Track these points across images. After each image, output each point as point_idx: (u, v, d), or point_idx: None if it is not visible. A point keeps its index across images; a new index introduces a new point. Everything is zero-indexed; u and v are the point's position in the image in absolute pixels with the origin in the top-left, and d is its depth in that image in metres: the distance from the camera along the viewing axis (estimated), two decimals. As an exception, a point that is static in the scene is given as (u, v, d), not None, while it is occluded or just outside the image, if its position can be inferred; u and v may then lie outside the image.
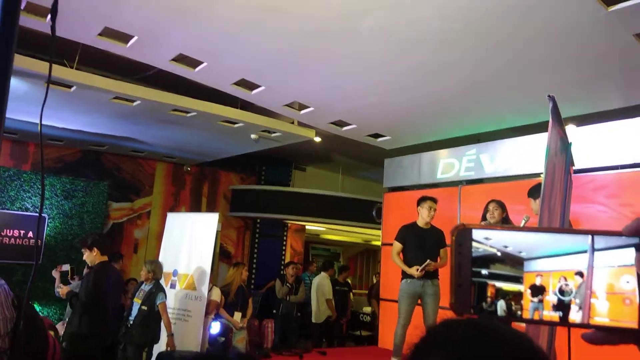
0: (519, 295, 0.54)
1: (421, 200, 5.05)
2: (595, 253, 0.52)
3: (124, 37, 4.60)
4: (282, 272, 8.63)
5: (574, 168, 3.71)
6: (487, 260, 0.54)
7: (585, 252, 0.52)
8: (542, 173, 2.85)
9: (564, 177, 3.01)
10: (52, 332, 3.06)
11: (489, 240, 0.54)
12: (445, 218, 5.75)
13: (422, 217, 4.99)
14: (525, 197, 4.33)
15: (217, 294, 6.11)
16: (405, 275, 4.94)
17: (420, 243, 4.95)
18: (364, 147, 7.58)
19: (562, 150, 3.01)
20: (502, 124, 6.07)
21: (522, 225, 4.07)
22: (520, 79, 4.78)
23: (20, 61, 4.99)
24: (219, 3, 3.82)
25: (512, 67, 4.54)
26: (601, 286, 0.52)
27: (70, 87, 5.60)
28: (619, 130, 4.92)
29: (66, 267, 5.78)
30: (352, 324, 9.41)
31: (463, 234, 0.56)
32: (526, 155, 5.57)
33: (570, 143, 3.32)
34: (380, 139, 7.09)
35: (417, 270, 4.77)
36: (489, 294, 0.54)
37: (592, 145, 5.03)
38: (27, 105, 6.01)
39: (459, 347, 0.73)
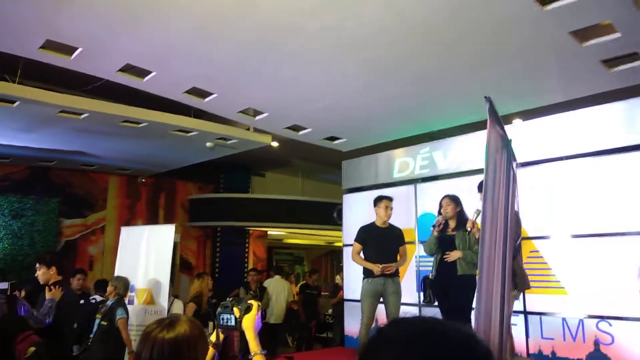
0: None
1: (377, 200, 5.10)
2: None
3: (68, 49, 4.46)
4: (245, 279, 8.55)
5: (517, 162, 3.83)
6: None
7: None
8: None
9: (506, 173, 3.12)
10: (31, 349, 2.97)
11: None
12: (403, 215, 5.84)
13: (380, 216, 5.05)
14: (479, 191, 4.46)
15: (179, 307, 5.97)
16: (366, 274, 4.98)
17: (379, 243, 4.99)
18: (322, 150, 7.60)
19: (502, 148, 3.12)
20: (453, 122, 6.22)
21: (474, 218, 4.19)
22: (463, 76, 4.92)
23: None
24: (163, 8, 3.76)
25: (455, 64, 4.66)
26: None
27: (13, 102, 5.39)
28: (562, 122, 5.12)
29: (3, 285, 5.50)
30: (319, 326, 9.42)
31: None
32: (478, 150, 5.69)
33: (511, 140, 3.44)
34: (336, 142, 7.14)
35: (379, 267, 4.82)
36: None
37: (537, 137, 5.22)
38: (-35, 123, 5.76)
39: (407, 345, 0.75)
